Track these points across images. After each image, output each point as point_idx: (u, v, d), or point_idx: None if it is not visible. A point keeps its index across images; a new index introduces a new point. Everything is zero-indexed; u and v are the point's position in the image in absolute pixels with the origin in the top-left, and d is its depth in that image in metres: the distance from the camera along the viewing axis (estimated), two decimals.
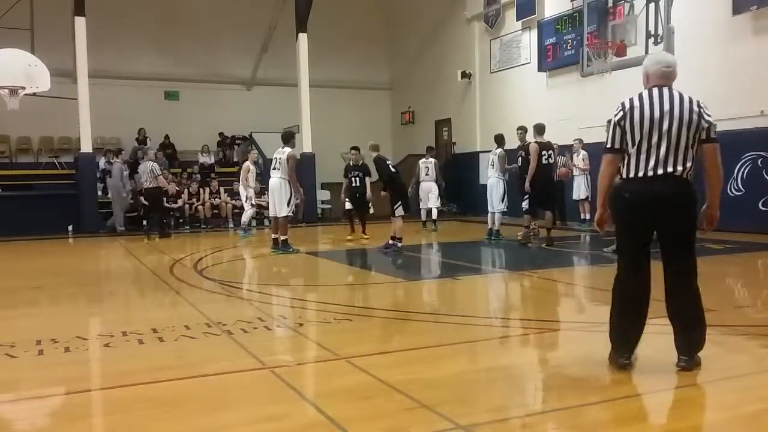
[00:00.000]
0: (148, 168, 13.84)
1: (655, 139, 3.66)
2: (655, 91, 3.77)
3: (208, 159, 19.44)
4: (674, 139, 3.64)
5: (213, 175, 18.31)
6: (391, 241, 10.37)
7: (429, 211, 14.68)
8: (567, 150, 14.09)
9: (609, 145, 3.83)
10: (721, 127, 13.45)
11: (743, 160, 11.70)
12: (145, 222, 14.71)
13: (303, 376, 4.17)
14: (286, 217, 10.62)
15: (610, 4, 13.31)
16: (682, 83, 12.18)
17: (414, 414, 3.24)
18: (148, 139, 19.11)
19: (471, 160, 19.31)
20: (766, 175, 11.39)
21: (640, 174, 3.70)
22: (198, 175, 17.95)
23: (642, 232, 3.81)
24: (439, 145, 21.38)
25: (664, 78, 3.81)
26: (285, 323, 5.65)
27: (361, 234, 12.72)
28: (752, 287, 7.24)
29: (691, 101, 3.72)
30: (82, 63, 15.46)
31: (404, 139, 22.37)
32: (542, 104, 16.07)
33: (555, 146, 11.36)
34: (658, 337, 4.89)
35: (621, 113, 3.79)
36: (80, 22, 15.38)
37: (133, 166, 18.19)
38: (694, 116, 3.66)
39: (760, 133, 11.47)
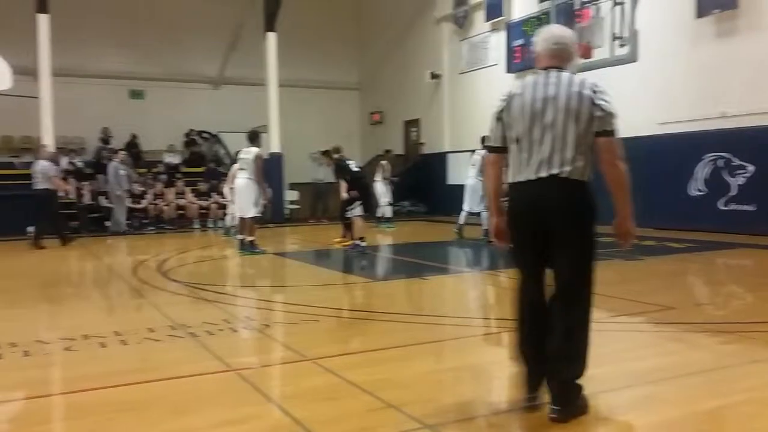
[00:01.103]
0: (41, 168, 12.67)
1: (537, 133, 3.02)
2: (542, 75, 3.11)
3: (173, 159, 19.20)
4: (560, 133, 2.99)
5: (179, 175, 18.10)
6: (356, 242, 10.38)
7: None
8: None
9: (490, 143, 3.25)
10: (684, 128, 13.88)
11: (704, 161, 11.95)
12: (32, 228, 12.81)
13: (269, 378, 4.14)
14: (254, 217, 10.54)
15: (577, 6, 13.50)
16: (647, 85, 12.43)
17: (381, 414, 3.24)
18: (111, 139, 18.83)
19: (439, 161, 19.41)
20: (726, 176, 11.64)
21: (521, 177, 3.08)
22: (164, 176, 17.72)
23: (530, 248, 3.17)
24: (408, 145, 21.46)
25: (554, 58, 3.13)
26: (251, 325, 5.61)
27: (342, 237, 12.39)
28: (712, 285, 7.39)
29: (582, 85, 3.02)
30: (45, 61, 15.16)
31: (373, 139, 22.40)
32: None
33: None
34: (621, 334, 4.98)
35: (501, 104, 3.18)
36: (43, 19, 15.08)
37: (96, 166, 17.93)
38: (585, 103, 2.98)
39: (721, 135, 11.72)
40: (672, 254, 9.49)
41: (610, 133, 3.02)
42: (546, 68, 3.11)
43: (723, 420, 3.12)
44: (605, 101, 3.00)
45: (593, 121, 2.98)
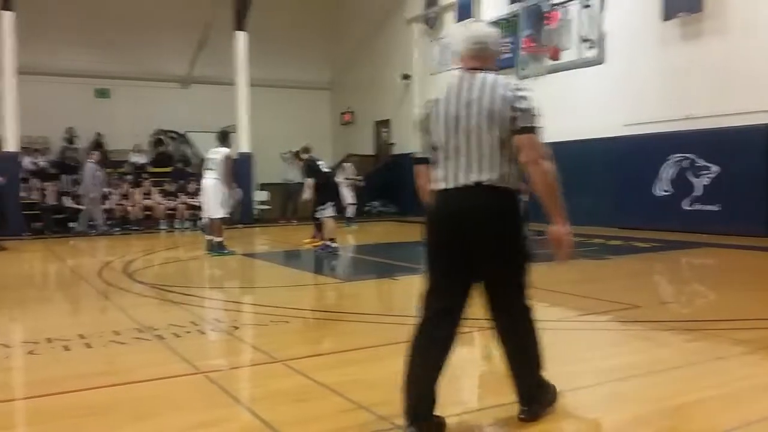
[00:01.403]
0: None
1: (460, 139, 2.86)
2: (462, 77, 2.95)
3: (140, 159, 18.94)
4: (482, 138, 2.82)
5: (145, 175, 17.86)
6: (327, 242, 10.34)
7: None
8: None
9: (417, 154, 3.12)
10: (650, 129, 14.07)
11: (670, 162, 12.16)
12: None
13: (238, 380, 4.10)
14: (222, 218, 10.45)
15: (546, 9, 13.64)
16: (614, 87, 12.56)
17: (352, 415, 3.22)
18: (76, 139, 18.51)
19: (410, 161, 19.36)
20: (690, 177, 11.85)
21: (443, 185, 2.91)
22: (130, 176, 17.47)
23: (446, 259, 2.91)
24: (379, 145, 21.47)
25: (475, 59, 2.96)
26: (219, 327, 5.54)
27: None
28: (677, 284, 7.51)
29: (504, 86, 2.84)
30: (9, 59, 14.82)
31: (344, 139, 22.36)
32: None
33: None
34: (589, 332, 5.04)
35: (424, 111, 3.03)
36: (8, 17, 14.77)
37: (60, 166, 17.62)
38: (505, 105, 2.80)
39: (686, 136, 11.93)
40: (638, 253, 9.64)
41: (530, 129, 2.81)
42: (468, 70, 2.95)
43: (690, 416, 3.17)
44: (523, 98, 2.83)
45: (510, 122, 2.81)
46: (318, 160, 10.99)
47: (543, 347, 3.07)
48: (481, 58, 2.96)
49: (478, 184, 2.82)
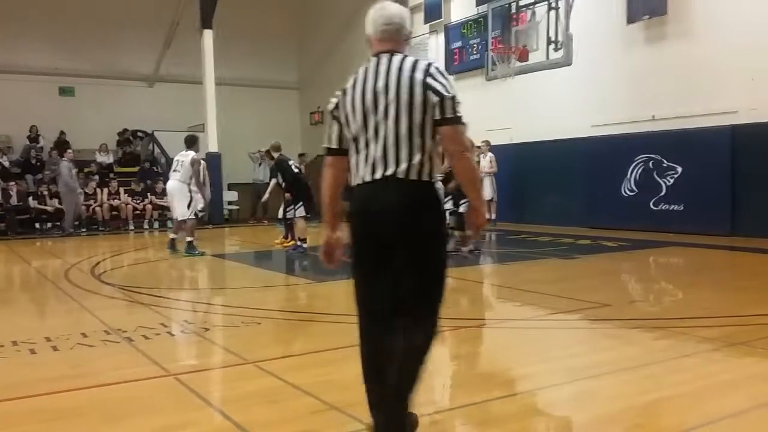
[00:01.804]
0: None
1: (371, 129, 2.62)
2: (373, 62, 2.71)
3: (106, 158, 18.64)
4: (393, 127, 2.57)
5: (112, 174, 17.58)
6: (298, 243, 10.29)
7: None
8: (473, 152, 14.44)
9: (325, 144, 2.83)
10: (616, 130, 14.20)
11: (636, 162, 12.35)
12: None
13: (209, 382, 4.06)
14: (193, 219, 10.39)
15: (514, 10, 13.74)
16: (581, 88, 12.65)
17: (324, 416, 3.21)
18: (40, 137, 18.16)
19: None
20: (656, 176, 12.05)
21: (359, 180, 2.67)
22: (96, 175, 17.19)
23: (371, 263, 2.71)
24: None
25: (386, 41, 2.72)
26: (189, 328, 5.48)
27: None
28: (644, 282, 7.63)
29: (415, 67, 2.60)
30: None
31: (314, 139, 22.23)
32: None
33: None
34: (558, 331, 5.09)
35: (334, 100, 2.79)
36: None
37: (23, 165, 17.27)
38: (417, 89, 2.56)
39: (651, 137, 12.13)
40: (606, 253, 9.77)
41: (452, 120, 2.58)
42: (378, 54, 2.71)
43: (658, 413, 3.22)
44: (442, 83, 2.58)
45: (430, 109, 2.56)
46: (289, 159, 10.93)
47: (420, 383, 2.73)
48: (393, 41, 2.72)
49: (391, 177, 2.58)
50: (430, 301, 2.68)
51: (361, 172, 2.67)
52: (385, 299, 2.69)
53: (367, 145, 2.64)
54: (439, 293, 2.70)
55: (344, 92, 2.73)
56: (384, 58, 2.67)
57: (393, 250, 2.62)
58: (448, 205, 10.77)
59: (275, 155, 10.93)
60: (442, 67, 2.66)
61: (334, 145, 2.79)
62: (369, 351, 2.75)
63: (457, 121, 2.60)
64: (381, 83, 2.61)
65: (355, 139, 2.68)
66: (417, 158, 2.57)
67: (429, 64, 2.62)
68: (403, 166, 2.57)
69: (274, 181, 11.68)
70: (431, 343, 2.69)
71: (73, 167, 15.06)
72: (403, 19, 2.74)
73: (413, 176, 2.58)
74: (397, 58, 2.66)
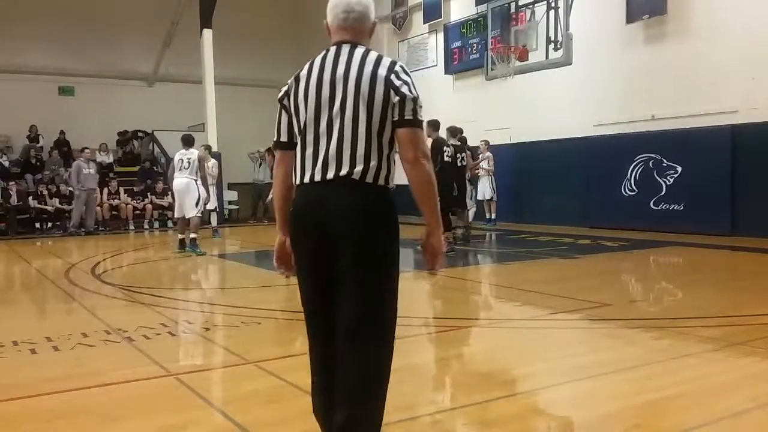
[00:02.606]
0: None
1: (323, 124, 2.39)
2: (332, 51, 2.50)
3: (106, 158, 18.64)
4: (350, 124, 2.35)
5: (112, 174, 17.58)
6: None
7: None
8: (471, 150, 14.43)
9: (275, 137, 2.59)
10: (616, 130, 14.20)
11: (636, 162, 12.34)
12: None
13: (209, 382, 4.06)
14: (199, 217, 10.47)
15: (513, 10, 13.73)
16: (581, 88, 12.63)
17: None
18: (40, 137, 18.15)
19: None
20: (656, 176, 12.05)
21: (306, 179, 2.41)
22: (96, 175, 17.16)
23: (315, 270, 2.43)
24: None
25: (346, 30, 2.51)
26: (190, 328, 5.49)
27: None
28: (645, 282, 7.63)
29: (378, 62, 2.41)
30: None
31: None
32: (449, 106, 16.36)
33: (467, 151, 11.46)
34: (559, 331, 5.09)
35: (284, 88, 2.57)
36: None
37: (23, 165, 17.26)
38: (379, 86, 2.35)
39: (651, 136, 12.13)
40: (606, 252, 9.77)
41: (411, 122, 2.36)
42: (337, 43, 2.50)
43: (658, 413, 3.22)
44: (405, 83, 2.38)
45: (390, 108, 2.35)
46: None
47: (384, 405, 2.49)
48: (352, 30, 2.50)
49: (344, 177, 2.33)
50: (378, 309, 2.37)
51: (308, 170, 2.40)
52: (325, 303, 2.41)
53: (317, 140, 2.39)
54: (389, 302, 2.41)
55: (297, 79, 2.51)
56: (345, 48, 2.46)
57: (337, 259, 2.34)
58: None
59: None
60: (406, 66, 2.47)
61: (284, 138, 2.54)
62: (317, 356, 2.53)
63: (416, 124, 2.37)
64: (340, 73, 2.39)
65: (303, 132, 2.43)
66: (374, 160, 2.34)
67: (393, 62, 2.43)
68: (359, 167, 2.33)
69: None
70: (387, 360, 2.42)
71: (84, 167, 15.00)
72: (365, 8, 2.51)
73: (369, 179, 2.34)
74: (359, 50, 2.45)
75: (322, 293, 2.41)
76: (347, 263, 2.32)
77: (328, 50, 2.50)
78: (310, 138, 2.41)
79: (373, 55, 2.43)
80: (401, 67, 2.43)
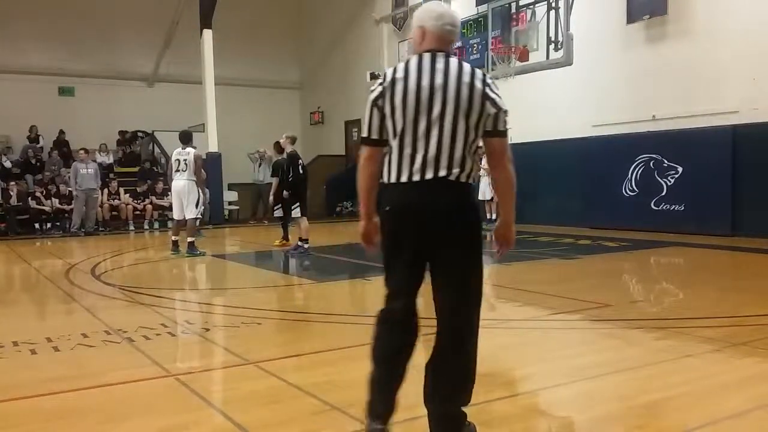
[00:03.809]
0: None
1: (422, 127, 2.58)
2: (427, 57, 2.65)
3: (106, 158, 18.63)
4: (449, 129, 2.57)
5: (112, 175, 17.58)
6: (299, 243, 10.27)
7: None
8: None
9: (365, 134, 2.72)
10: (617, 130, 14.20)
11: (637, 162, 12.34)
12: None
13: (210, 383, 4.05)
14: (194, 219, 10.37)
15: (513, 10, 13.73)
16: (582, 88, 12.63)
17: (325, 417, 3.21)
18: (40, 137, 18.15)
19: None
20: (657, 176, 12.05)
21: (403, 178, 2.62)
22: (95, 175, 17.14)
23: (407, 263, 2.70)
24: (349, 145, 21.44)
25: (443, 41, 2.70)
26: (190, 329, 5.48)
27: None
28: (646, 282, 7.62)
29: (473, 74, 2.62)
30: None
31: (314, 139, 22.27)
32: None
33: None
34: (560, 331, 5.08)
35: (379, 89, 2.67)
36: None
37: (24, 165, 17.26)
38: (476, 97, 2.58)
39: (652, 137, 12.13)
40: (607, 253, 9.77)
41: (503, 133, 2.66)
42: (431, 51, 2.67)
43: (659, 414, 3.21)
44: (498, 96, 2.63)
45: (484, 118, 2.60)
46: (299, 158, 10.52)
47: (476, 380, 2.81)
48: (448, 41, 2.72)
49: (442, 180, 2.58)
50: (474, 295, 2.73)
51: (405, 170, 2.61)
52: (413, 299, 2.76)
53: (414, 142, 2.59)
54: (480, 287, 2.75)
55: (393, 82, 2.63)
56: (440, 57, 2.65)
57: (437, 250, 2.64)
58: None
59: (289, 149, 10.39)
60: (493, 78, 2.73)
61: (375, 136, 2.70)
62: (383, 344, 2.81)
63: (505, 134, 2.67)
64: (438, 81, 2.58)
65: (401, 134, 2.62)
66: (468, 163, 2.61)
67: (484, 74, 2.67)
68: (456, 170, 2.59)
69: (275, 179, 11.17)
70: (476, 334, 2.78)
71: (82, 168, 14.98)
72: (459, 25, 2.80)
73: (462, 179, 2.61)
74: (452, 60, 2.65)
75: (409, 278, 2.73)
76: (447, 254, 2.63)
77: (422, 56, 2.66)
78: (407, 140, 2.60)
79: (466, 67, 2.65)
80: (491, 79, 2.67)
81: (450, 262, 2.65)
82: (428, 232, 2.61)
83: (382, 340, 2.78)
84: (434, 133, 2.57)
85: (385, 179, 2.69)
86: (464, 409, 2.78)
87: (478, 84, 2.59)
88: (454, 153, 2.58)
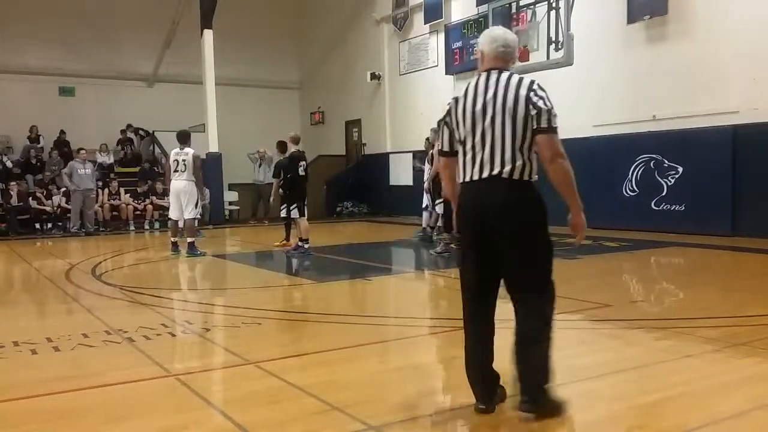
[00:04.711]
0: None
1: (479, 134, 3.09)
2: (483, 76, 3.16)
3: (107, 158, 18.63)
4: (499, 133, 3.03)
5: (112, 175, 17.58)
6: (299, 243, 10.27)
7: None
8: None
9: (440, 146, 3.40)
10: (617, 130, 14.14)
11: (637, 162, 12.33)
12: None
13: (210, 383, 4.05)
14: (193, 219, 10.35)
15: (514, 10, 13.72)
16: (582, 88, 12.63)
17: (325, 417, 3.21)
18: (41, 137, 18.16)
19: (381, 161, 19.46)
20: (658, 176, 12.04)
21: (467, 178, 3.16)
22: (93, 175, 17.15)
23: (477, 249, 3.15)
24: (349, 145, 21.45)
25: (499, 60, 3.18)
26: (191, 329, 5.48)
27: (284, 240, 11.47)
28: (646, 282, 7.62)
29: (519, 83, 3.06)
30: None
31: (314, 139, 22.23)
32: None
33: None
34: (560, 332, 5.06)
35: (447, 108, 3.28)
36: None
37: (24, 165, 17.26)
38: (521, 102, 3.01)
39: (652, 137, 12.12)
40: (607, 253, 9.76)
41: (547, 130, 3.01)
42: (487, 70, 3.16)
43: (660, 414, 3.21)
44: (542, 98, 3.02)
45: (530, 120, 3.01)
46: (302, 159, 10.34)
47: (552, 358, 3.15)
48: (503, 60, 3.17)
49: (496, 177, 3.03)
50: (537, 279, 3.12)
51: (468, 171, 3.13)
52: (486, 281, 3.16)
53: (473, 147, 3.10)
54: (546, 271, 3.14)
55: (456, 101, 3.20)
56: (494, 74, 3.12)
57: (497, 239, 3.05)
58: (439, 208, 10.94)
59: (292, 149, 10.25)
60: (542, 85, 3.08)
61: (446, 149, 3.30)
62: (472, 330, 3.25)
63: (552, 131, 3.02)
64: (490, 94, 3.07)
65: (464, 142, 3.15)
66: (519, 161, 3.01)
67: (532, 81, 3.07)
68: (507, 167, 3.01)
69: (276, 180, 11.08)
70: (550, 314, 3.16)
71: (80, 168, 14.98)
72: (515, 46, 3.23)
73: (515, 176, 3.02)
74: (504, 74, 3.11)
75: (481, 267, 3.14)
76: (507, 243, 3.04)
77: (479, 76, 3.17)
78: (468, 146, 3.14)
79: (515, 78, 3.08)
80: (538, 85, 3.07)
81: (507, 252, 3.05)
82: (487, 225, 3.06)
83: (468, 330, 3.26)
84: (488, 136, 3.05)
85: (459, 180, 3.24)
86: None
87: (523, 90, 3.02)
88: (505, 153, 3.02)
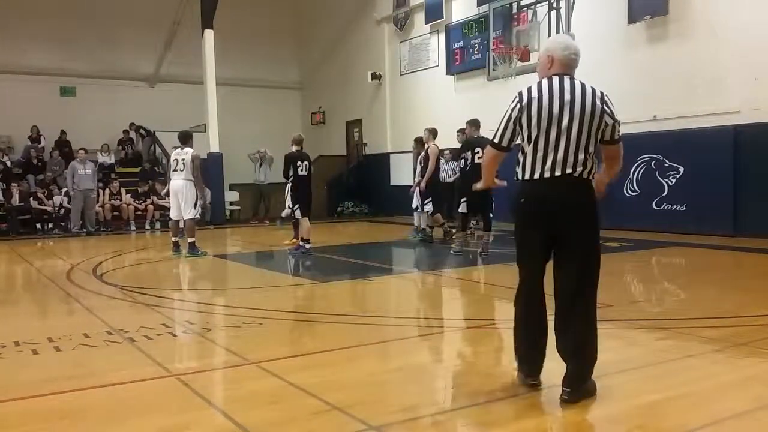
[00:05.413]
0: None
1: (553, 135, 3.28)
2: (556, 80, 3.36)
3: (108, 159, 18.64)
4: (574, 137, 3.27)
5: (113, 175, 17.58)
6: (300, 243, 10.27)
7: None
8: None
9: (497, 141, 3.47)
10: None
11: (638, 163, 12.32)
12: None
13: (211, 383, 4.05)
14: (193, 219, 10.33)
15: (515, 10, 13.74)
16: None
17: (326, 417, 3.21)
18: (42, 138, 18.17)
19: (382, 161, 19.46)
20: (658, 177, 12.03)
21: (536, 176, 3.32)
22: (93, 176, 17.16)
23: (540, 244, 3.40)
24: (350, 145, 21.45)
25: (568, 66, 3.42)
26: (191, 329, 5.48)
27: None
28: (647, 283, 7.62)
29: (594, 93, 3.35)
30: None
31: (315, 139, 22.21)
32: (451, 107, 16.38)
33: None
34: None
35: (517, 106, 3.39)
36: None
37: (25, 165, 17.28)
38: (597, 111, 3.31)
39: (653, 137, 12.11)
40: (609, 253, 9.71)
41: (619, 140, 3.43)
42: (559, 75, 3.38)
43: (662, 413, 3.21)
44: (612, 110, 3.36)
45: (603, 128, 3.34)
46: (306, 159, 10.38)
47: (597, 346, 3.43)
48: (571, 67, 3.43)
49: (569, 177, 3.29)
50: (593, 272, 3.41)
51: (538, 169, 3.31)
52: (542, 275, 3.42)
53: (546, 146, 3.29)
54: (599, 265, 3.44)
55: (530, 101, 3.33)
56: (567, 79, 3.36)
57: (561, 235, 3.33)
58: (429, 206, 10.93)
59: (293, 149, 10.26)
60: (608, 95, 3.42)
61: (505, 144, 3.45)
62: (527, 313, 3.47)
63: (620, 141, 3.45)
64: (567, 99, 3.29)
65: (534, 140, 3.32)
66: (588, 163, 3.31)
67: (602, 93, 3.39)
68: (579, 168, 3.29)
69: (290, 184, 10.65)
70: (595, 303, 3.47)
71: (80, 168, 14.99)
72: (579, 53, 3.47)
73: (585, 176, 3.32)
74: (577, 82, 3.37)
75: (541, 258, 3.41)
76: (572, 238, 3.33)
77: (551, 79, 3.37)
78: (541, 145, 3.31)
79: (588, 87, 3.37)
80: (608, 97, 3.41)
81: (574, 242, 3.33)
82: (557, 217, 3.31)
83: (525, 307, 3.47)
84: (563, 139, 3.27)
85: (520, 177, 3.40)
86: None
87: (598, 102, 3.33)
88: (578, 155, 3.28)
